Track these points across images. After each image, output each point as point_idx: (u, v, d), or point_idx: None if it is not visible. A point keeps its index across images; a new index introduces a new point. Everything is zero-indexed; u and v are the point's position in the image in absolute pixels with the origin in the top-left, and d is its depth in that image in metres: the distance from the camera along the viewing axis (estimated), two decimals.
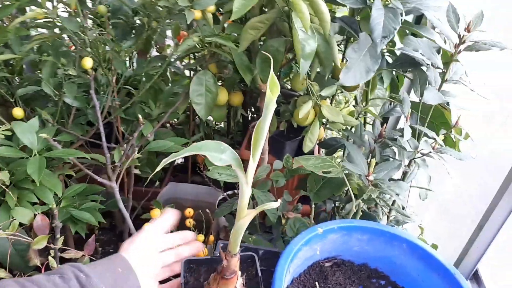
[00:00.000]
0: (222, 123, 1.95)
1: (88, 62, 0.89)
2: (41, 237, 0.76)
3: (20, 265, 0.97)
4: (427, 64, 0.91)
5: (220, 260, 0.60)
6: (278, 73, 1.41)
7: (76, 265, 0.52)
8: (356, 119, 1.10)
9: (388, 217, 1.07)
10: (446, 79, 0.88)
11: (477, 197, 1.03)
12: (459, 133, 0.95)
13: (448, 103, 0.96)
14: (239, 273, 0.62)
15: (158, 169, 0.42)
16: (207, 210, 1.16)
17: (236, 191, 1.57)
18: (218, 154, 0.45)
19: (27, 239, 0.78)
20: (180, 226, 1.29)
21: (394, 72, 1.18)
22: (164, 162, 0.42)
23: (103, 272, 0.52)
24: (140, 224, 1.47)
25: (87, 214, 1.05)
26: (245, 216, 0.52)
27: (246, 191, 0.49)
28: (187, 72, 1.60)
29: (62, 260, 0.96)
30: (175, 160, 1.72)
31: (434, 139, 0.85)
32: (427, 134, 0.86)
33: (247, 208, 0.52)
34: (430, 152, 0.87)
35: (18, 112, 0.95)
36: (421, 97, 0.96)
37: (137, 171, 1.35)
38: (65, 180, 1.19)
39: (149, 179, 0.94)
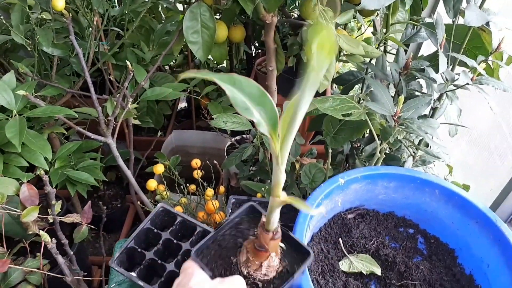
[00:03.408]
0: (225, 62, 1.81)
1: (59, 3, 0.75)
2: (30, 208, 0.68)
3: (20, 232, 0.90)
4: None
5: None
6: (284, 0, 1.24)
7: None
8: (376, 48, 0.96)
9: (413, 157, 0.97)
10: None
11: None
12: (500, 58, 0.82)
13: (487, 23, 0.81)
14: (274, 254, 0.53)
15: (182, 77, 0.31)
16: (215, 161, 1.06)
17: (244, 135, 1.47)
18: (251, 104, 0.33)
19: (16, 211, 0.70)
20: (188, 177, 1.21)
21: None
22: (187, 75, 0.31)
23: None
24: (145, 177, 1.41)
25: (84, 174, 0.97)
26: (278, 197, 0.42)
27: (277, 171, 0.39)
28: (181, 7, 1.43)
29: (63, 225, 0.90)
30: (177, 106, 1.61)
31: (474, 68, 0.72)
32: (464, 62, 0.73)
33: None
34: (468, 84, 0.74)
35: None
36: (455, 18, 0.81)
37: (136, 122, 1.25)
38: (59, 138, 1.10)
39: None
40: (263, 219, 0.51)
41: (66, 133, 0.99)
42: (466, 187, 0.94)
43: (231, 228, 0.59)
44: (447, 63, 0.77)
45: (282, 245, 0.55)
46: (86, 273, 0.97)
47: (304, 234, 0.66)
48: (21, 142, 0.73)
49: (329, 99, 0.78)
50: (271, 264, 0.54)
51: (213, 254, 0.55)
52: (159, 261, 0.71)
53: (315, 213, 0.42)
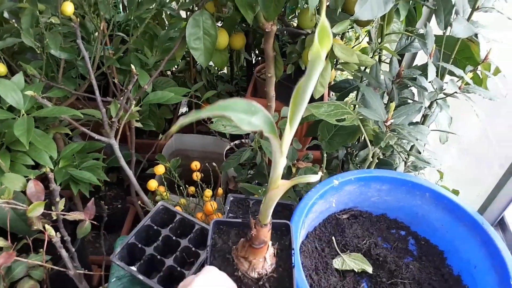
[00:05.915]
0: (225, 68, 1.85)
1: (68, 7, 0.79)
2: (36, 204, 0.71)
3: (24, 229, 0.93)
4: None
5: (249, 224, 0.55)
6: (283, 9, 1.28)
7: None
8: (371, 57, 0.99)
9: (405, 162, 1.01)
10: (478, 6, 0.76)
11: (506, 138, 0.94)
12: (488, 69, 0.85)
13: (476, 35, 0.85)
14: (270, 242, 0.56)
15: (174, 130, 0.33)
16: (214, 164, 1.09)
17: (243, 140, 1.51)
18: (247, 117, 0.36)
19: (22, 206, 0.73)
20: (188, 180, 1.24)
21: (410, 2, 1.05)
22: (180, 124, 0.33)
23: None
24: (146, 179, 1.44)
25: (87, 173, 1.00)
26: (277, 188, 0.46)
27: (280, 162, 0.42)
28: (184, 14, 1.47)
29: (65, 224, 0.92)
30: (178, 110, 1.64)
31: (462, 77, 0.75)
32: (453, 72, 0.77)
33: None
34: (456, 92, 0.78)
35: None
36: (445, 30, 0.85)
37: (138, 124, 1.28)
38: (63, 139, 1.13)
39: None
40: (259, 217, 0.54)
41: (70, 133, 1.02)
42: (455, 192, 0.97)
43: (213, 255, 0.60)
44: (437, 72, 0.81)
45: None
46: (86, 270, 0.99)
47: (299, 231, 0.69)
48: (29, 140, 0.76)
49: (324, 104, 0.82)
50: (271, 252, 0.57)
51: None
52: (159, 257, 0.74)
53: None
